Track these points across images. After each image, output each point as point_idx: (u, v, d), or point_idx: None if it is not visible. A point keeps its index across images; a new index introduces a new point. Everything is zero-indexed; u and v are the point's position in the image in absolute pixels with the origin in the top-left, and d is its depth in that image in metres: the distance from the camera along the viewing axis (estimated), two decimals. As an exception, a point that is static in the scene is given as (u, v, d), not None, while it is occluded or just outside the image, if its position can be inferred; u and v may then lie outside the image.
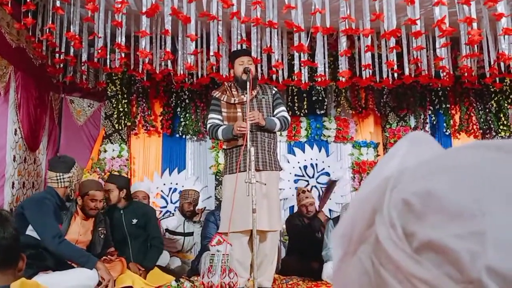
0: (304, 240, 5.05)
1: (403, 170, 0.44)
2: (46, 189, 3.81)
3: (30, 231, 3.42)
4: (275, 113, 3.98)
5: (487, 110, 6.63)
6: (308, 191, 5.36)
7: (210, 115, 3.99)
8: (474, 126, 6.68)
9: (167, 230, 5.32)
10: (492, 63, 5.20)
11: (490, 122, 6.60)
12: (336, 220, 4.77)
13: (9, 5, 4.12)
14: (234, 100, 3.91)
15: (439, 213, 0.38)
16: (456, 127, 6.71)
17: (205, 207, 5.91)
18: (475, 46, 4.64)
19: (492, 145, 0.42)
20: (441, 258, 0.37)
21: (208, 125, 3.96)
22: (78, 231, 3.85)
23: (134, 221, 4.47)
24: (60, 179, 3.65)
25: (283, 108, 4.03)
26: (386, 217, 0.41)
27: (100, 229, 4.04)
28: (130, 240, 4.45)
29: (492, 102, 6.55)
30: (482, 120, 6.66)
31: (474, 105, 6.68)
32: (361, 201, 0.46)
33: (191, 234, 5.44)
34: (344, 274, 0.46)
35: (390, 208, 0.41)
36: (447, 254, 0.37)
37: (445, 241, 0.37)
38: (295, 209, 6.25)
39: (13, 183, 4.76)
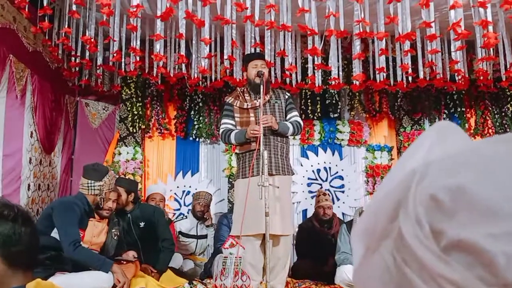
0: (317, 244, 5.04)
1: (430, 163, 0.42)
2: (77, 194, 3.84)
3: (55, 233, 3.46)
4: (287, 117, 3.99)
5: (503, 113, 6.55)
6: (328, 194, 5.36)
7: (223, 120, 4.00)
8: (490, 130, 6.60)
9: (180, 232, 5.34)
10: (508, 66, 5.14)
11: (506, 126, 6.52)
12: (349, 224, 4.75)
13: (26, 9, 4.18)
14: (247, 105, 3.92)
15: (471, 211, 0.36)
16: (472, 131, 6.64)
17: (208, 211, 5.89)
18: (491, 49, 4.59)
19: None
20: (472, 259, 0.35)
21: (221, 130, 3.98)
22: (92, 232, 3.88)
23: (142, 224, 4.49)
24: (91, 186, 3.69)
25: (296, 113, 4.04)
26: (412, 213, 0.39)
27: (113, 230, 4.06)
28: (140, 243, 4.47)
29: (508, 105, 6.47)
30: (497, 123, 6.58)
31: (490, 108, 6.60)
32: (385, 195, 0.44)
33: (204, 236, 5.44)
34: (365, 272, 0.44)
35: (416, 203, 0.39)
36: (479, 255, 0.35)
37: (478, 241, 0.35)
38: (308, 213, 6.23)
39: (28, 185, 4.82)
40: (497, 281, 0.34)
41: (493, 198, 0.36)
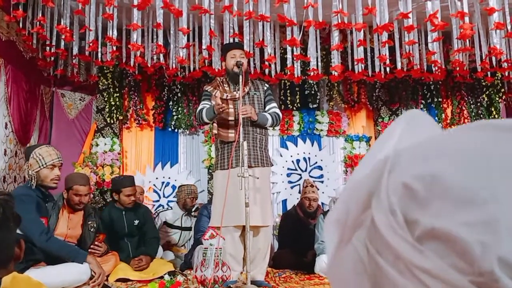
0: (299, 233, 5.07)
1: (401, 151, 0.41)
2: (26, 183, 3.75)
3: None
4: (266, 109, 3.99)
5: (479, 104, 6.66)
6: (316, 186, 5.36)
7: (201, 103, 3.99)
8: (466, 120, 6.71)
9: (165, 223, 5.35)
10: (483, 57, 5.22)
11: (481, 115, 6.64)
12: (327, 214, 4.78)
13: (-1, -2, 4.08)
14: (227, 96, 3.90)
15: (445, 199, 0.36)
16: (448, 121, 6.74)
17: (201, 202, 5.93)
18: (467, 40, 4.65)
19: (501, 125, 0.39)
20: (446, 248, 0.35)
21: (197, 111, 3.97)
22: (67, 225, 3.83)
23: (136, 222, 4.63)
24: (26, 172, 3.65)
25: (275, 104, 4.04)
26: (385, 202, 0.38)
27: (89, 222, 4.02)
28: (128, 238, 4.61)
29: (484, 96, 6.59)
30: (473, 113, 6.69)
31: (466, 99, 6.71)
32: (356, 184, 0.43)
33: (188, 229, 5.44)
34: (339, 263, 0.44)
35: (389, 192, 0.38)
36: (454, 244, 0.34)
37: (452, 230, 0.35)
38: (288, 203, 6.27)
39: (4, 178, 4.73)
40: (473, 270, 0.34)
41: (469, 186, 0.35)
